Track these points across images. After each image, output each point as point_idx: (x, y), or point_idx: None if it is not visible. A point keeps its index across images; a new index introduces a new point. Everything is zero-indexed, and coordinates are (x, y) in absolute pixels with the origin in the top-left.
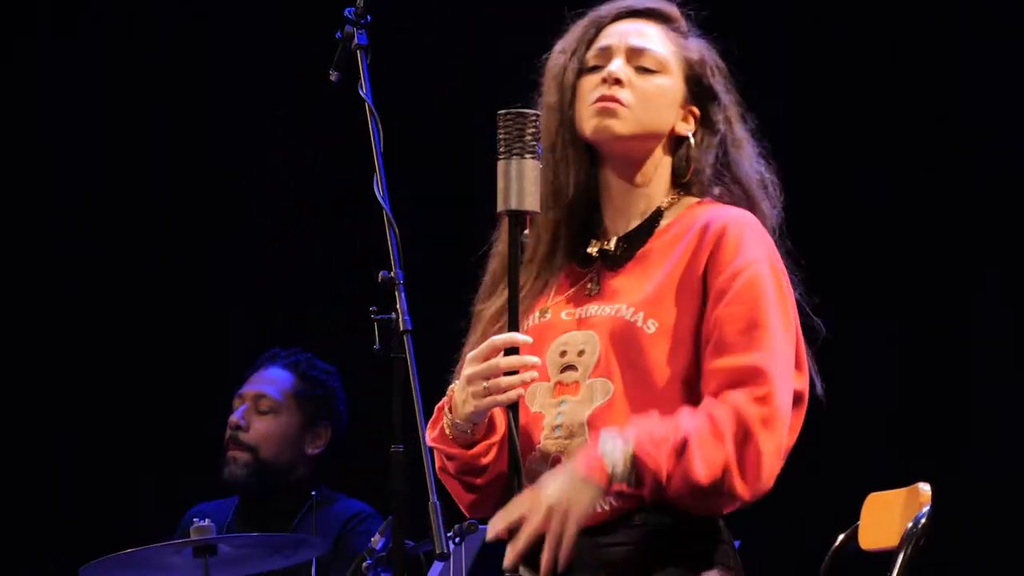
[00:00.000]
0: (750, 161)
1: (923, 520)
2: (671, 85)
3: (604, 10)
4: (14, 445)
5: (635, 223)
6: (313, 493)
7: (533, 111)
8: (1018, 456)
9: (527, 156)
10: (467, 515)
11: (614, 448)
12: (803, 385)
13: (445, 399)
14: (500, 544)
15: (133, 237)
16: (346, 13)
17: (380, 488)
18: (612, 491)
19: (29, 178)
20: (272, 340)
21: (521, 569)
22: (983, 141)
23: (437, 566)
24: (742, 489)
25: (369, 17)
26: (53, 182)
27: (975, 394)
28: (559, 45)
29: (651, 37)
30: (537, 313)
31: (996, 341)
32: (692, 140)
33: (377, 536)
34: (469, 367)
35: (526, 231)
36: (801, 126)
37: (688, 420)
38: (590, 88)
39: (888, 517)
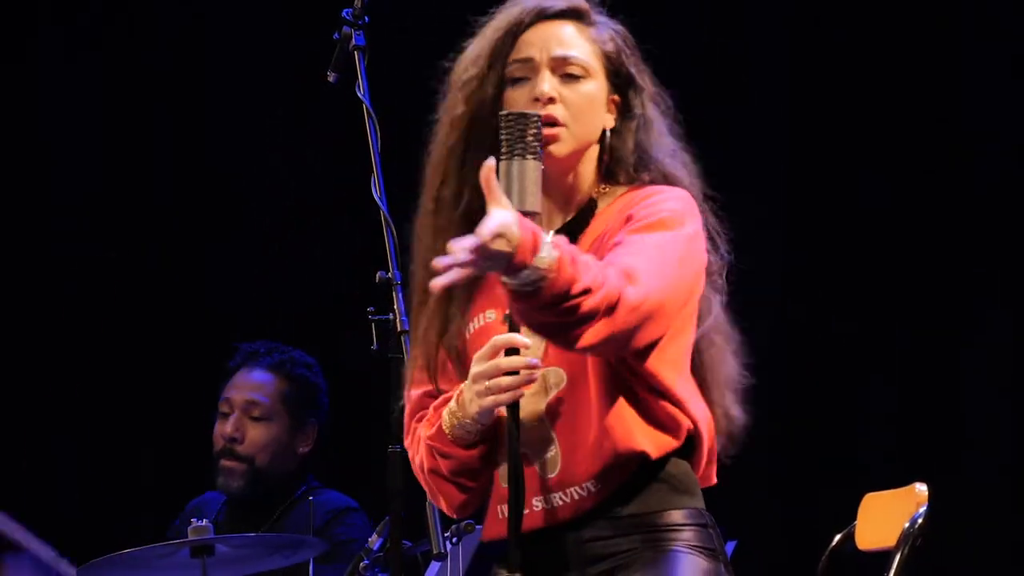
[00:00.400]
0: (661, 139)
1: (920, 520)
2: (597, 88)
3: (516, 16)
4: (14, 446)
5: (570, 215)
6: (311, 499)
7: (535, 112)
8: (1014, 457)
9: (529, 157)
10: (452, 516)
11: (547, 242)
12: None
13: (441, 399)
14: (499, 546)
15: (133, 237)
16: (344, 14)
17: (378, 488)
18: (524, 265)
19: (29, 178)
20: (272, 340)
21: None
22: (983, 144)
23: (434, 566)
24: (582, 342)
25: (367, 18)
26: (53, 182)
27: (972, 396)
28: (468, 53)
29: (571, 41)
30: (481, 316)
31: (993, 343)
32: (613, 130)
33: (375, 536)
34: (475, 366)
35: None
36: (801, 128)
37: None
38: (520, 104)
39: (885, 517)
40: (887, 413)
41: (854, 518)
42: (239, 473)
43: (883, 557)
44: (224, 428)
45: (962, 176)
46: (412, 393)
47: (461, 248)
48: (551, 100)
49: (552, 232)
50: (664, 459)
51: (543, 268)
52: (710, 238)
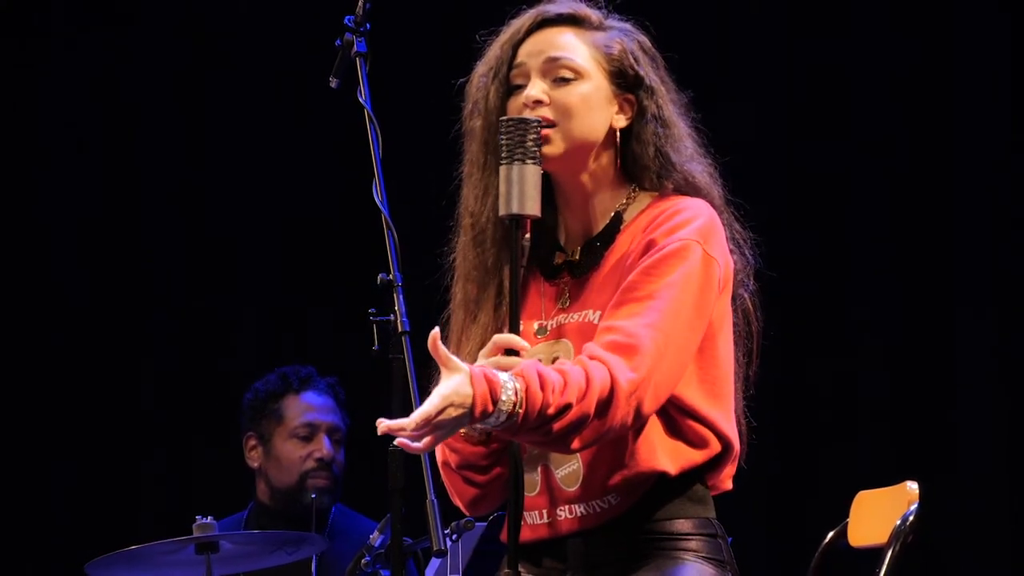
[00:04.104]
0: (682, 142)
1: (911, 517)
2: (593, 88)
3: (516, 26)
4: (17, 446)
5: (596, 229)
6: (313, 496)
7: (535, 118)
8: (1006, 455)
9: (528, 161)
10: (466, 513)
11: (507, 382)
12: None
13: None
14: (499, 543)
15: (133, 239)
16: (346, 21)
17: (379, 486)
18: (487, 414)
19: (28, 192)
20: (273, 343)
21: (521, 567)
22: (974, 156)
23: (435, 563)
24: (577, 444)
25: (368, 25)
26: (52, 197)
27: (964, 394)
28: (479, 68)
29: (564, 45)
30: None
31: (985, 340)
32: (632, 132)
33: (376, 533)
34: (480, 362)
35: (527, 235)
36: (798, 125)
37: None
38: (515, 110)
39: (877, 515)
40: (879, 411)
41: (847, 515)
42: (331, 490)
43: (875, 554)
44: (323, 450)
45: (952, 176)
46: None
47: (408, 428)
48: (537, 103)
49: (579, 249)
50: (683, 474)
51: (508, 410)
52: (734, 241)
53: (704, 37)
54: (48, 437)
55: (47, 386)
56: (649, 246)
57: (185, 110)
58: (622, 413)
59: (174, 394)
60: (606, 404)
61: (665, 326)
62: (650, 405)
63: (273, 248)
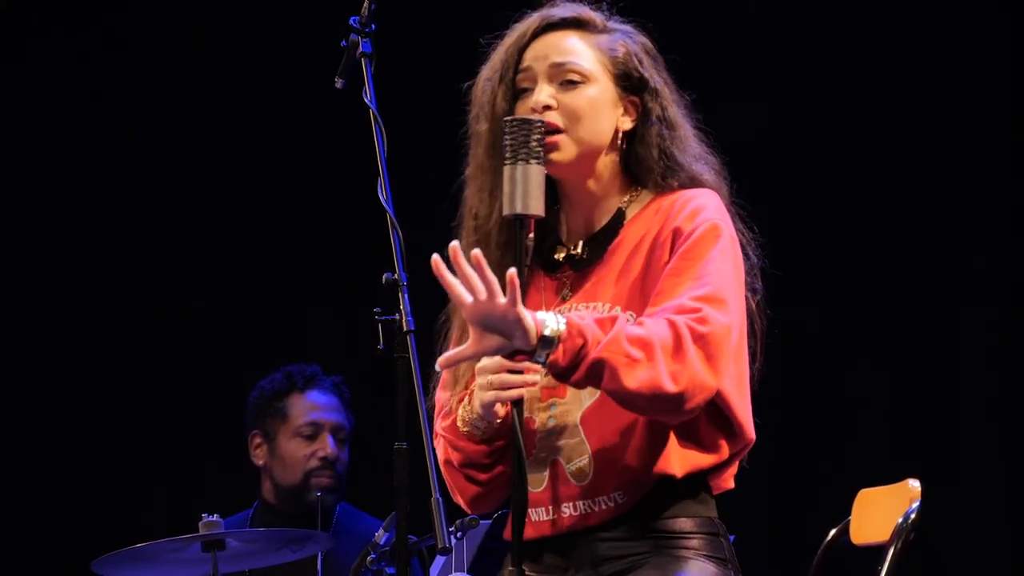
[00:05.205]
0: (686, 141)
1: (913, 515)
2: (600, 91)
3: (521, 30)
4: (24, 443)
5: (599, 225)
6: (318, 494)
7: (538, 118)
8: (1006, 453)
9: (532, 161)
10: (468, 511)
11: (547, 317)
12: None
13: (464, 393)
14: (503, 541)
15: (133, 239)
16: (351, 22)
17: (384, 484)
18: (536, 351)
19: (28, 192)
20: (276, 342)
21: (524, 565)
22: (974, 158)
23: (440, 561)
24: (671, 385)
25: (374, 26)
26: (52, 196)
27: (965, 393)
28: (484, 72)
29: (570, 49)
30: None
31: (986, 339)
32: (636, 134)
33: (381, 531)
34: (483, 361)
35: (531, 235)
36: (798, 125)
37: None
38: (524, 114)
39: (879, 512)
40: (881, 411)
41: (849, 513)
42: (336, 488)
43: (877, 551)
44: (327, 449)
45: (952, 176)
46: (442, 394)
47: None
48: (547, 108)
49: (581, 243)
50: (688, 476)
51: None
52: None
53: (704, 38)
54: (48, 437)
55: (47, 386)
56: (676, 235)
57: (185, 110)
58: (692, 337)
59: (174, 394)
60: (676, 338)
61: (720, 288)
62: (719, 332)
63: (273, 248)
